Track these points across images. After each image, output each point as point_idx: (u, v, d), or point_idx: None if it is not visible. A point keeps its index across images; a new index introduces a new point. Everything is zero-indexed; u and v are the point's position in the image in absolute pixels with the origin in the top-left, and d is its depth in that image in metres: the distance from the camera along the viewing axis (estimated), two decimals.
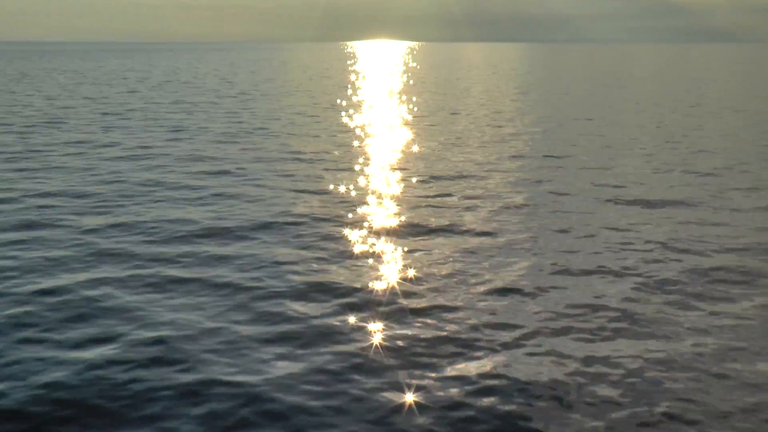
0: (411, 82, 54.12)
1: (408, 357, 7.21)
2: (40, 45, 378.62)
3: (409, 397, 6.38)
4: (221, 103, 34.11)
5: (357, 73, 68.12)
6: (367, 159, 18.95)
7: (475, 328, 7.93)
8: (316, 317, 8.19)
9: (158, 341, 7.45)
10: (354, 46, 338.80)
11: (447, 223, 12.37)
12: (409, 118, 28.35)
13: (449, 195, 14.54)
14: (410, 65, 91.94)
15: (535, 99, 37.49)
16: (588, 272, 9.95)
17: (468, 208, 13.50)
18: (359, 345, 7.48)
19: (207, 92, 41.30)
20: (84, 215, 12.61)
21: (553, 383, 6.70)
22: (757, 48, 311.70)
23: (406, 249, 10.82)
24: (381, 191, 14.85)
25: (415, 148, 20.30)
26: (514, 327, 7.96)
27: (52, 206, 13.22)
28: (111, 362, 6.98)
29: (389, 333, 7.81)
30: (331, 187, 15.28)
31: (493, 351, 7.31)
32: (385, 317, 8.27)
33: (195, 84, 49.19)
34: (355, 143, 21.54)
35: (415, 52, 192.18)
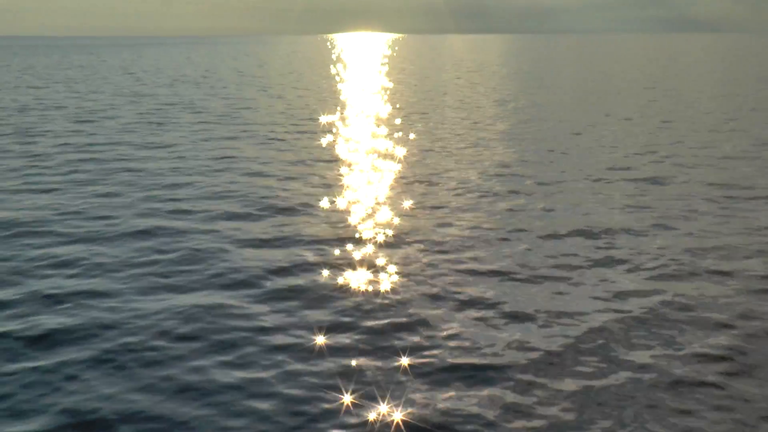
0: (389, 78, 54.49)
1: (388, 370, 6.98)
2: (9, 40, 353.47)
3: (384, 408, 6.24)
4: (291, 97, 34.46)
5: (334, 67, 68.26)
6: (352, 158, 19.20)
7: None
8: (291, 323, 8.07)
9: None
10: (335, 39, 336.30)
11: (423, 231, 11.89)
12: (384, 117, 28.89)
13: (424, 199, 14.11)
14: (393, 58, 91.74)
15: (517, 90, 38.06)
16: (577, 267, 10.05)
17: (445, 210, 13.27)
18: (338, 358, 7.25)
19: (255, 85, 41.53)
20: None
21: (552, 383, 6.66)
22: (737, 37, 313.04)
23: (383, 259, 10.41)
24: (362, 198, 14.25)
25: (394, 149, 20.84)
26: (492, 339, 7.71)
27: None
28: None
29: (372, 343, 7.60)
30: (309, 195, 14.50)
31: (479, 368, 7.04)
32: (369, 324, 8.05)
33: (233, 77, 49.26)
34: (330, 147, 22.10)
35: (396, 46, 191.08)
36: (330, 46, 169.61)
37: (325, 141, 21.04)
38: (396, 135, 22.28)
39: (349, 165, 17.45)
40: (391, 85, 43.81)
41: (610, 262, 10.19)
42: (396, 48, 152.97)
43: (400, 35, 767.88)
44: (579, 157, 18.08)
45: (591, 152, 18.82)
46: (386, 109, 29.75)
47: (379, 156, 18.50)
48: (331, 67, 68.30)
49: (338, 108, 30.38)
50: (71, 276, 9.48)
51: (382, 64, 74.50)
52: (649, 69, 59.40)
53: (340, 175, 16.20)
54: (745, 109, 28.89)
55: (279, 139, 21.34)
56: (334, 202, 13.79)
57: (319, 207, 13.46)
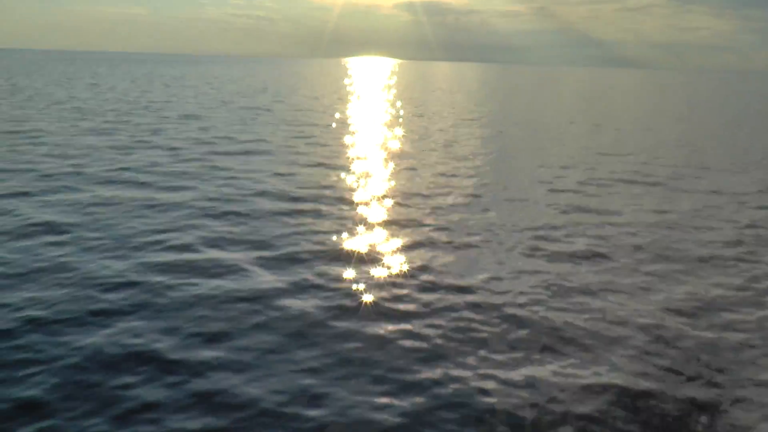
0: (394, 96, 54.58)
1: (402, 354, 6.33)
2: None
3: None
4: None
5: (350, 89, 68.11)
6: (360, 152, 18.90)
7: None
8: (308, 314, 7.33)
9: None
10: (348, 63, 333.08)
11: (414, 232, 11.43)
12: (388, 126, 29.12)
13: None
14: (395, 79, 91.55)
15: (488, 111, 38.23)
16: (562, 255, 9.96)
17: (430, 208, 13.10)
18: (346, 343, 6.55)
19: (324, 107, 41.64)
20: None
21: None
22: (653, 73, 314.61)
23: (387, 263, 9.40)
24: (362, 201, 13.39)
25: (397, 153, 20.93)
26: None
27: None
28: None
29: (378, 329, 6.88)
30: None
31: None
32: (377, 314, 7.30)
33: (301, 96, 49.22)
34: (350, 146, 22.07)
35: (398, 69, 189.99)
36: (346, 69, 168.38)
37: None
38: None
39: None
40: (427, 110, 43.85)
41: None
42: (402, 72, 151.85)
43: (401, 60, 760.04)
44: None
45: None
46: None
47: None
48: (386, 91, 67.95)
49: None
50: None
51: (387, 86, 74.08)
52: (586, 101, 59.42)
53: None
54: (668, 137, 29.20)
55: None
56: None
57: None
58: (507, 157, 20.37)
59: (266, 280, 8.44)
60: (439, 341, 6.77)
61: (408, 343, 6.70)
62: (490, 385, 5.90)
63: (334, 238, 10.52)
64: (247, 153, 19.55)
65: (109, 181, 14.60)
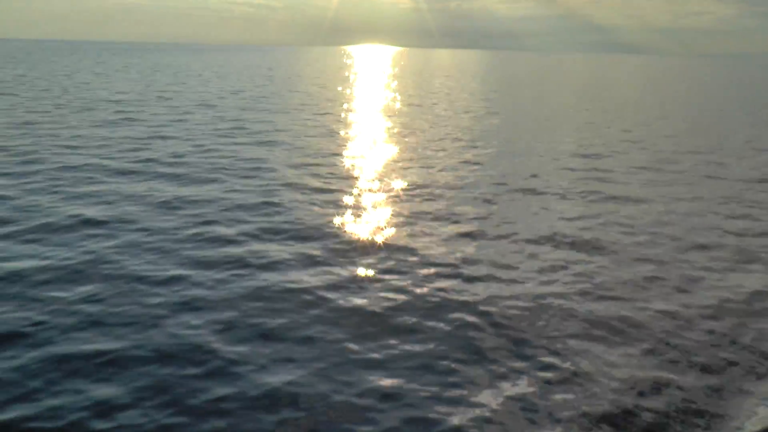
0: (395, 83, 54.42)
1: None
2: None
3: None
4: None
5: (352, 76, 67.86)
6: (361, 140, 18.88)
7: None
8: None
9: None
10: (349, 51, 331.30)
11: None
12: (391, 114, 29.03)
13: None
14: (398, 66, 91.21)
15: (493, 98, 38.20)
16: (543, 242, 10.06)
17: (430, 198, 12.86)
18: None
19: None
20: None
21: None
22: (657, 59, 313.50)
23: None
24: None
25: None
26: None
27: None
28: None
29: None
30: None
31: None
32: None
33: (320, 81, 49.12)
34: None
35: (401, 57, 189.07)
36: (347, 57, 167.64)
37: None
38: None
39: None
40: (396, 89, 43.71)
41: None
42: (407, 60, 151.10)
43: (402, 48, 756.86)
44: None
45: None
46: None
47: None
48: (388, 78, 67.69)
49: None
50: None
51: (390, 74, 73.75)
52: (586, 85, 59.21)
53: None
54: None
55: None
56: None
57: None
58: (530, 147, 20.27)
59: (313, 272, 8.41)
60: (498, 331, 6.75)
61: (469, 333, 6.68)
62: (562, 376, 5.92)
63: (375, 230, 10.45)
64: (268, 143, 19.49)
65: (136, 172, 14.56)
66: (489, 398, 5.48)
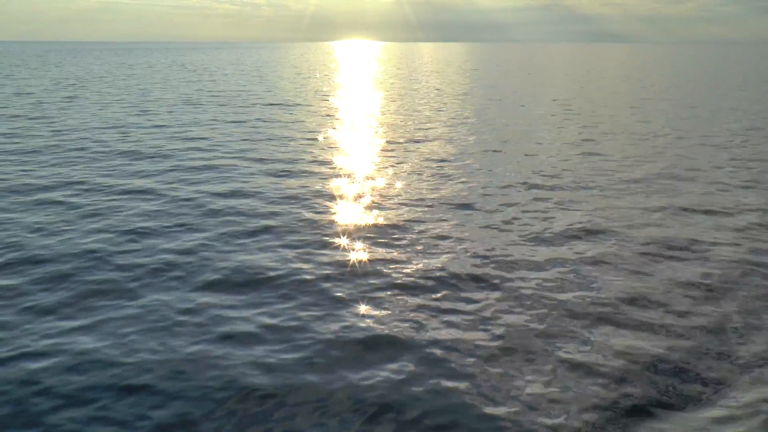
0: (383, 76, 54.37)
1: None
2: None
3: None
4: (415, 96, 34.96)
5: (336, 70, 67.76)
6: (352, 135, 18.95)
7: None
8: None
9: None
10: (333, 46, 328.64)
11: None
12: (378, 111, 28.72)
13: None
14: (384, 62, 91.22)
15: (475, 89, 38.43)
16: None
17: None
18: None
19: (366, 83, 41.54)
20: None
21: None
22: (643, 47, 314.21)
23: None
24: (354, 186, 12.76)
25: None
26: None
27: None
28: None
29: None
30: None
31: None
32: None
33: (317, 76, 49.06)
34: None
35: (388, 51, 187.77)
36: (333, 52, 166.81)
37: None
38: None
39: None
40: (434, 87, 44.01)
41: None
42: (390, 54, 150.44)
43: (385, 42, 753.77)
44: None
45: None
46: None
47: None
48: (378, 71, 67.41)
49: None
50: None
51: (379, 69, 73.52)
52: (577, 72, 59.42)
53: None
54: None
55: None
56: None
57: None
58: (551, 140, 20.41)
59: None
60: (528, 326, 6.67)
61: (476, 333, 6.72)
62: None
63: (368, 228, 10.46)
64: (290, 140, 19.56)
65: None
66: (504, 396, 5.42)
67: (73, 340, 6.25)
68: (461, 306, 7.11)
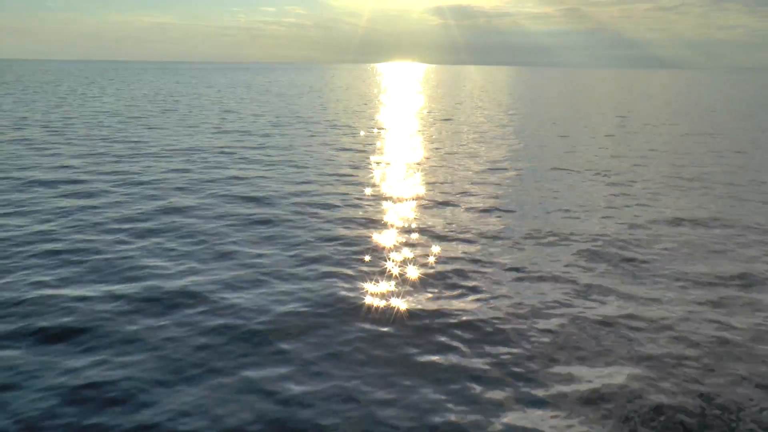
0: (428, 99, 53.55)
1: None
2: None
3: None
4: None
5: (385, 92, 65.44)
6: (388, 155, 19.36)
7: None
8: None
9: None
10: (377, 68, 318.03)
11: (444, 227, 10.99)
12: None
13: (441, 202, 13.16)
14: (428, 84, 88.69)
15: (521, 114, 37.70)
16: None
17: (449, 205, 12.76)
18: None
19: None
20: None
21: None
22: (684, 73, 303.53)
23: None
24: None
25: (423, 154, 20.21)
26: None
27: None
28: None
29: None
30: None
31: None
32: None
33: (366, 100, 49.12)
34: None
35: (433, 74, 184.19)
36: (377, 74, 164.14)
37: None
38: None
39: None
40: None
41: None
42: (433, 76, 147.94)
43: (431, 65, 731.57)
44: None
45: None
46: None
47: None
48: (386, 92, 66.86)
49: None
50: None
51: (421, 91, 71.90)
52: (623, 98, 58.88)
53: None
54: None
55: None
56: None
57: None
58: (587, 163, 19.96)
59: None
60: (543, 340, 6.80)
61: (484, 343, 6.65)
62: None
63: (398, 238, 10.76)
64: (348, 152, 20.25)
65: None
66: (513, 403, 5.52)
67: None
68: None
